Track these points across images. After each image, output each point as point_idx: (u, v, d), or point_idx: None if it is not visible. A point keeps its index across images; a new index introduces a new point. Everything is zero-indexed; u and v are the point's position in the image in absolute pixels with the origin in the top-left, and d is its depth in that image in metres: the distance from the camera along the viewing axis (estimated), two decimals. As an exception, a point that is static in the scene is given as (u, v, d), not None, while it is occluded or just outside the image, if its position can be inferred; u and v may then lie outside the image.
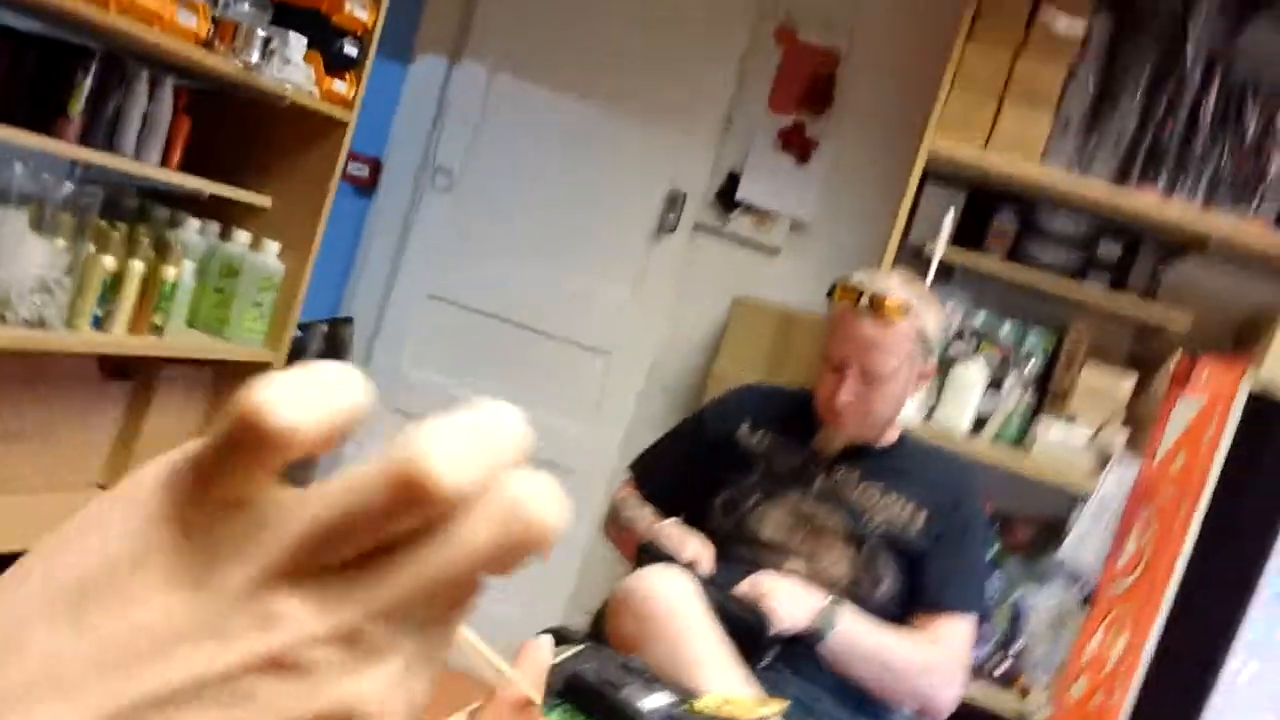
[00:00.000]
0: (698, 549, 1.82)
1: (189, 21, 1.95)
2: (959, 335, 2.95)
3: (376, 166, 3.45)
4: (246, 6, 2.13)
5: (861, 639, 1.77)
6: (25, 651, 0.24)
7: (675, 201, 3.36)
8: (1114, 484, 2.43)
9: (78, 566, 0.25)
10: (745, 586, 1.75)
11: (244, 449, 0.25)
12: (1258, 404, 1.74)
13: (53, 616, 0.24)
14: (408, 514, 0.24)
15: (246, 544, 0.25)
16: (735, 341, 3.24)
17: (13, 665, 0.24)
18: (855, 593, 1.84)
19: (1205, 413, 1.93)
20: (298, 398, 0.25)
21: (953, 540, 1.88)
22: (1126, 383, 2.92)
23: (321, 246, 2.46)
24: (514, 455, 0.26)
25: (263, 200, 2.41)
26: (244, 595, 0.24)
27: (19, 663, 0.24)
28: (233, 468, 0.25)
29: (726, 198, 3.37)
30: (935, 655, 1.83)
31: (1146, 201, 2.83)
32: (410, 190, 3.46)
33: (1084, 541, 2.69)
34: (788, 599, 1.74)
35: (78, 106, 1.92)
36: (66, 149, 1.94)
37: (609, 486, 3.21)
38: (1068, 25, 2.86)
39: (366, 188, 3.45)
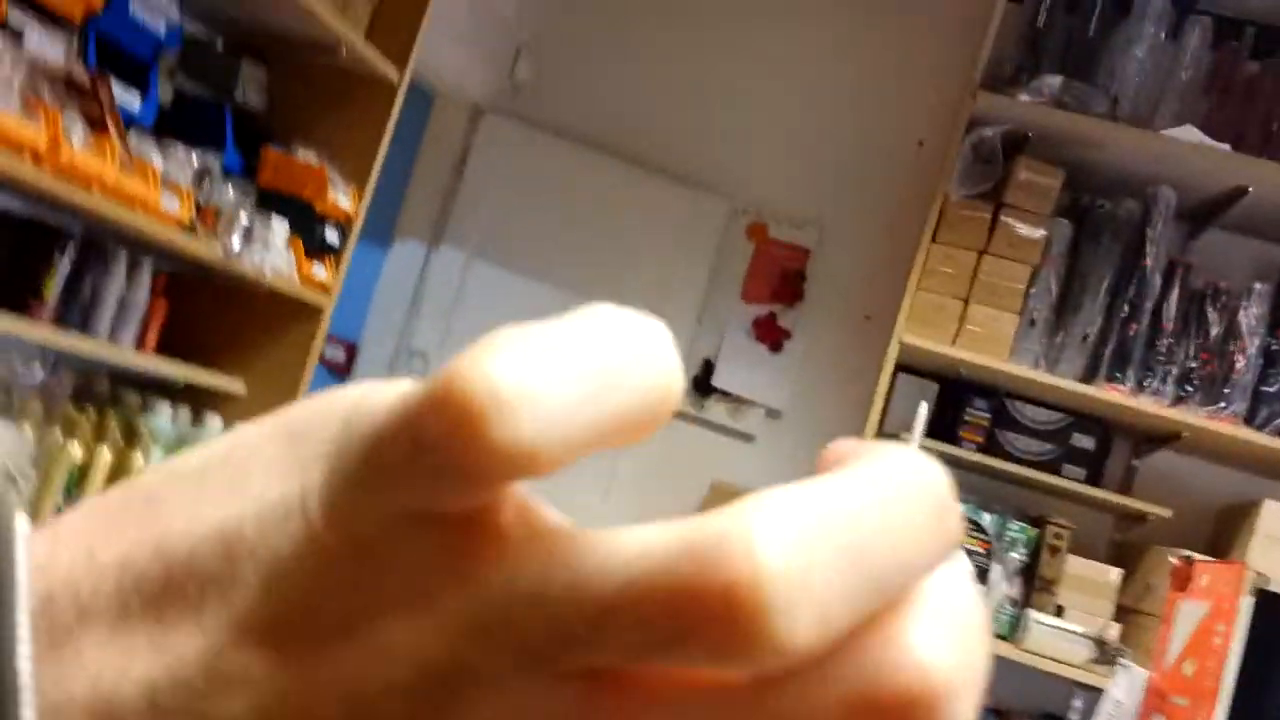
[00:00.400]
0: None
1: (172, 206, 1.94)
2: (938, 529, 2.91)
3: (352, 350, 3.42)
4: (231, 193, 2.14)
5: None
6: None
7: (649, 389, 3.35)
8: (1123, 691, 2.35)
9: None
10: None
11: (442, 454, 0.16)
12: (1264, 603, 1.70)
13: None
14: (715, 656, 0.15)
15: (420, 603, 0.16)
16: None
17: None
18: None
19: (1211, 618, 1.88)
20: (551, 389, 0.16)
21: None
22: (1113, 574, 2.90)
23: (290, 431, 2.39)
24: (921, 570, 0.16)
25: (236, 385, 2.36)
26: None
27: None
28: (423, 473, 0.16)
29: (702, 384, 3.38)
30: None
31: (1116, 397, 2.86)
32: (385, 375, 3.42)
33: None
34: None
35: (53, 289, 1.88)
36: (38, 332, 1.89)
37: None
38: (1029, 230, 2.96)
39: (341, 372, 3.41)
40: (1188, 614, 2.24)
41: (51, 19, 1.81)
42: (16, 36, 1.74)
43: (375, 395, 0.17)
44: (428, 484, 0.16)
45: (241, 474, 0.17)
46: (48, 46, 1.79)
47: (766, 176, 3.46)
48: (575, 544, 0.16)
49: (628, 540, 0.15)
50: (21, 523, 0.17)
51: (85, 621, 0.17)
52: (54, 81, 1.75)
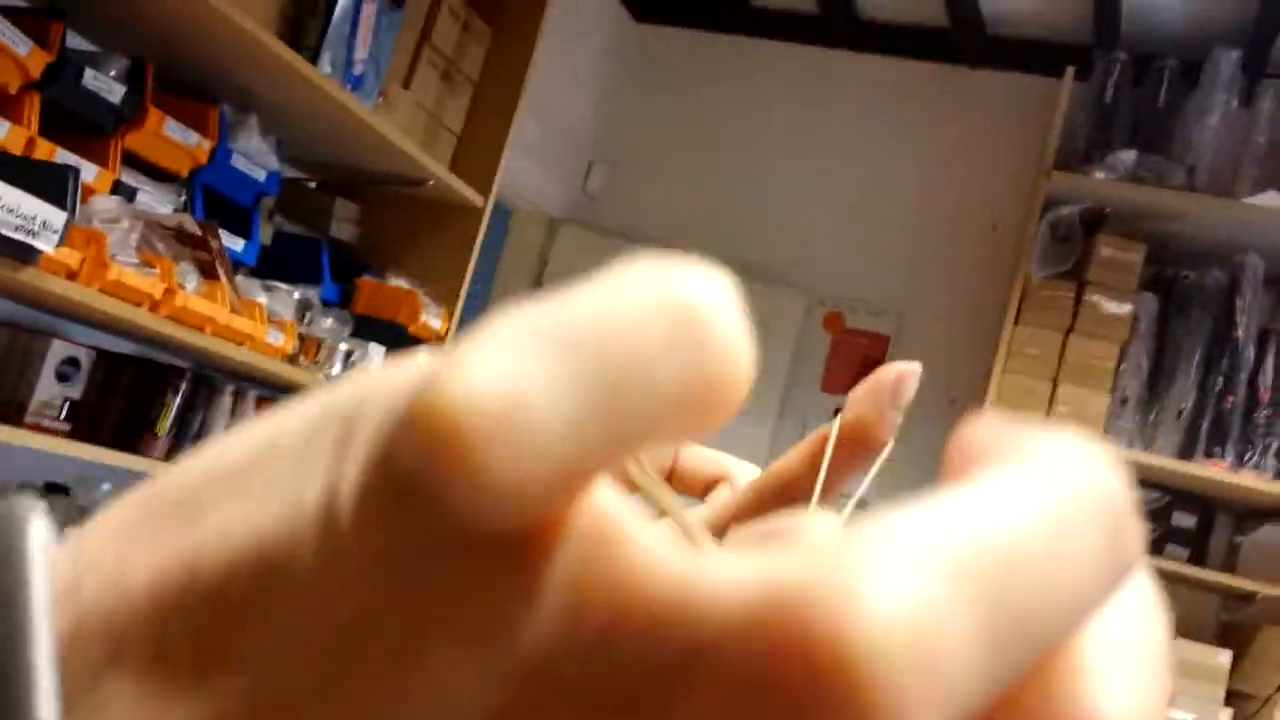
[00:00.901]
0: None
1: (277, 339, 2.03)
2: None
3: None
4: (330, 322, 2.23)
5: None
6: None
7: (736, 484, 3.36)
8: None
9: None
10: None
11: (418, 492, 0.12)
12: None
13: None
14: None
15: (473, 638, 0.13)
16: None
17: None
18: None
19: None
20: (547, 401, 0.12)
21: None
22: (1223, 658, 2.80)
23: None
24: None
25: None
26: None
27: None
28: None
29: (786, 478, 3.37)
30: None
31: (1217, 473, 2.80)
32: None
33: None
34: None
35: (166, 424, 1.97)
36: (153, 466, 1.98)
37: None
38: (1115, 307, 2.93)
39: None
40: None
41: (161, 176, 1.93)
42: (130, 195, 1.86)
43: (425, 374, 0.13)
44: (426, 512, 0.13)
45: (281, 469, 0.14)
46: (159, 202, 1.91)
47: (841, 267, 3.48)
48: (651, 577, 0.12)
49: (717, 574, 0.12)
50: (39, 534, 0.14)
51: (116, 666, 0.14)
52: (167, 233, 1.86)
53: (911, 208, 3.48)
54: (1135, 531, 0.13)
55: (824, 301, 3.45)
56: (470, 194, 2.48)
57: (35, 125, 1.64)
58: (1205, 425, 2.87)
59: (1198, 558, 2.96)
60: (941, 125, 3.49)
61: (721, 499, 0.28)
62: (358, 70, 2.12)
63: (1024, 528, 0.12)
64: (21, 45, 1.60)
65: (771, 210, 3.56)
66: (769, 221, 3.55)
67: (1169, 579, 2.96)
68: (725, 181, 3.61)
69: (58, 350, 1.80)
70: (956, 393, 3.30)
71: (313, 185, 2.51)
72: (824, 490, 0.25)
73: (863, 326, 3.42)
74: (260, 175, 2.08)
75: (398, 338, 2.36)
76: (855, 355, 3.39)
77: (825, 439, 0.27)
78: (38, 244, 1.48)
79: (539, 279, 3.54)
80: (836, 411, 0.28)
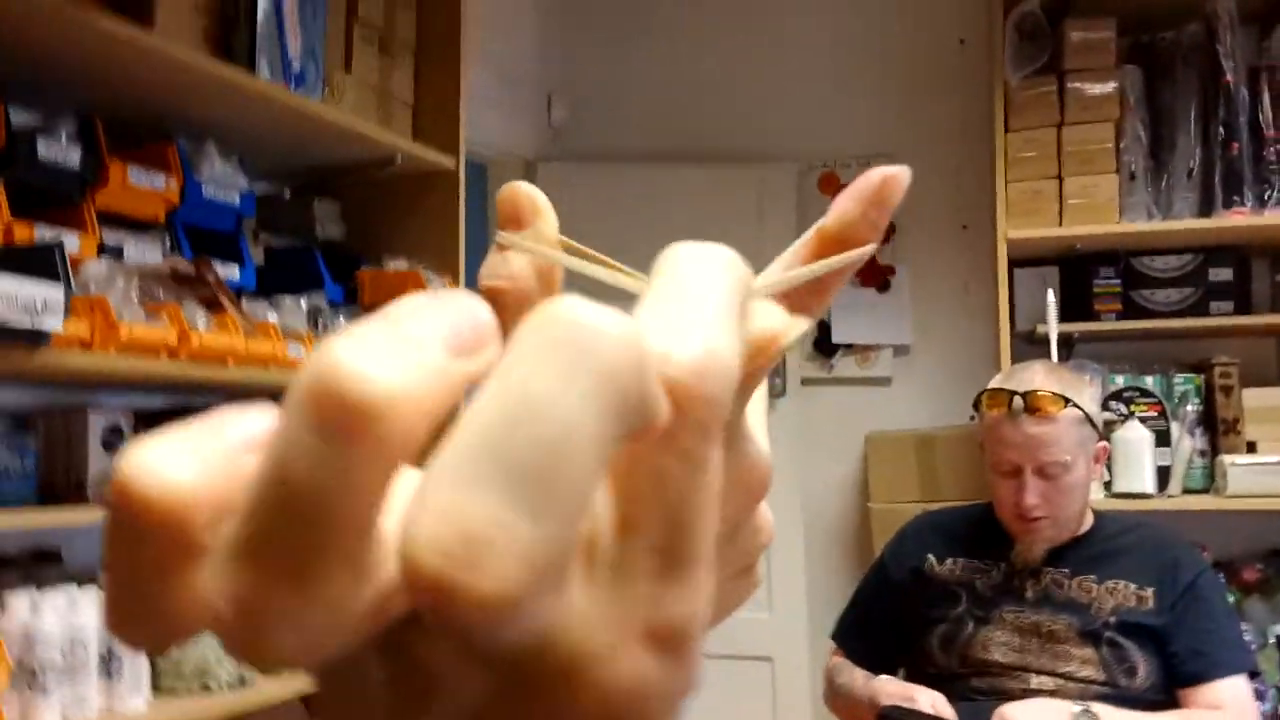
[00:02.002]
0: (932, 697, 1.74)
1: (299, 353, 2.04)
2: (1106, 404, 2.86)
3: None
4: (343, 321, 2.23)
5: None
6: None
7: (777, 366, 3.38)
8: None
9: None
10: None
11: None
12: None
13: None
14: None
15: None
16: (882, 476, 3.18)
17: None
18: (1112, 691, 1.74)
19: None
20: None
21: (1191, 605, 1.78)
22: (1290, 396, 2.81)
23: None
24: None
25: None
26: None
27: None
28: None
29: (824, 345, 3.38)
30: (1222, 724, 1.70)
31: (1240, 220, 2.77)
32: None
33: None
34: None
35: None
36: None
37: (811, 668, 3.10)
38: (1099, 88, 2.88)
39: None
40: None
41: (141, 226, 1.93)
42: (118, 253, 1.86)
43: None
44: None
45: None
46: (146, 251, 1.91)
47: (823, 127, 3.44)
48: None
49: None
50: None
51: None
52: (163, 279, 1.86)
53: (875, 49, 3.42)
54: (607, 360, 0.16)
55: (814, 165, 3.42)
56: (440, 159, 2.46)
57: (6, 211, 1.64)
58: (1218, 178, 2.84)
59: (1243, 307, 2.95)
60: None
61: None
62: (296, 67, 2.10)
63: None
64: (-32, 137, 1.59)
65: (740, 90, 3.51)
66: (740, 102, 3.50)
67: (1222, 334, 2.96)
68: (686, 76, 3.56)
69: (96, 422, 1.82)
70: (968, 217, 3.28)
71: (288, 194, 2.49)
72: (815, 289, 0.26)
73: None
74: (234, 199, 2.07)
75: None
76: (857, 209, 3.37)
77: (814, 237, 0.27)
78: (45, 325, 1.49)
79: (530, 223, 3.51)
80: None
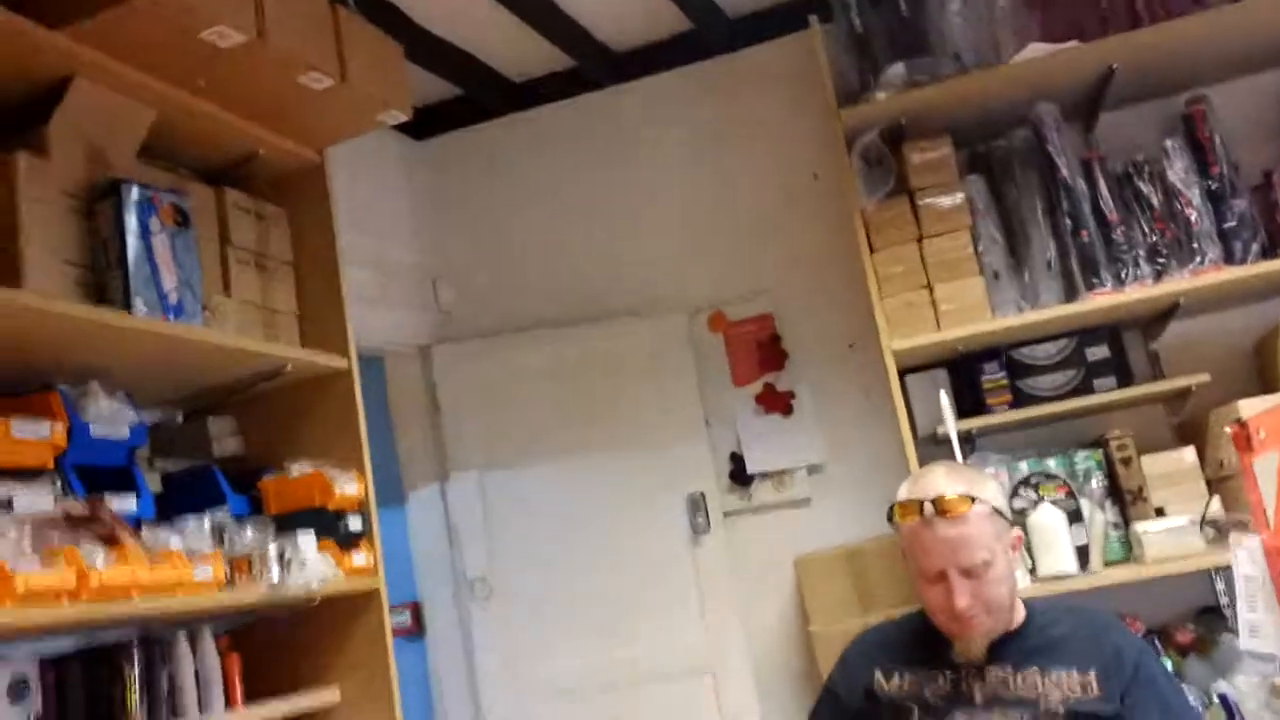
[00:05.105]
0: None
1: (206, 574, 2.06)
2: (1015, 492, 2.94)
3: (416, 609, 3.52)
4: (250, 534, 2.26)
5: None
6: None
7: (697, 503, 3.44)
8: (1247, 563, 2.34)
9: None
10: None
11: None
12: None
13: None
14: None
15: None
16: (818, 597, 3.22)
17: None
18: (1079, 780, 1.75)
19: (1284, 466, 1.90)
20: None
21: (1142, 693, 1.81)
22: (1189, 455, 2.91)
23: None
24: None
25: (332, 695, 2.45)
26: None
27: None
28: None
29: (740, 475, 3.46)
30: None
31: (1105, 300, 2.93)
32: (456, 616, 3.51)
33: (1257, 629, 2.56)
34: None
35: (134, 698, 1.99)
36: (139, 742, 1.99)
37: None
38: (948, 199, 3.07)
39: (414, 633, 3.50)
40: (1264, 470, 2.24)
41: (28, 475, 1.96)
42: (7, 504, 1.89)
43: None
44: None
45: None
46: (38, 497, 1.93)
47: (700, 272, 3.60)
48: None
49: None
50: None
51: None
52: (56, 525, 1.89)
53: (734, 193, 3.61)
54: None
55: (702, 308, 3.56)
56: (333, 361, 2.54)
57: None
58: (1075, 264, 3.00)
59: (1125, 380, 3.08)
60: (728, 112, 3.65)
61: None
62: (173, 299, 2.18)
63: None
64: None
65: (616, 253, 3.67)
66: (618, 263, 3.66)
67: (1112, 409, 3.08)
68: (565, 241, 3.72)
69: (1, 676, 1.81)
70: (851, 335, 3.42)
71: (181, 419, 2.54)
72: None
73: (745, 315, 3.53)
74: (123, 433, 2.11)
75: (321, 520, 2.40)
76: (749, 342, 3.50)
77: None
78: (-69, 591, 1.51)
79: (434, 403, 3.60)
80: None
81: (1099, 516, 2.90)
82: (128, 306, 2.06)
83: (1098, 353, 3.10)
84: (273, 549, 2.26)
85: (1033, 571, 2.83)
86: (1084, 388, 3.06)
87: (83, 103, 2.11)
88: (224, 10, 2.09)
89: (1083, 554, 2.86)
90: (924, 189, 3.09)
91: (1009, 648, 1.88)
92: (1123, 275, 2.97)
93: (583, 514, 3.47)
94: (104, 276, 2.09)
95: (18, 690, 1.82)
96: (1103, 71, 3.02)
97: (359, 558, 2.48)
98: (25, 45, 1.95)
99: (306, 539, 2.32)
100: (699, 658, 3.38)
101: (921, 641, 1.93)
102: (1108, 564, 2.87)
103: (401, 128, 3.54)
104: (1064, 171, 3.03)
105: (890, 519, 1.93)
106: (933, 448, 3.08)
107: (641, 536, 3.44)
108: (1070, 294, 2.99)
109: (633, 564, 3.43)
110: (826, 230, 3.46)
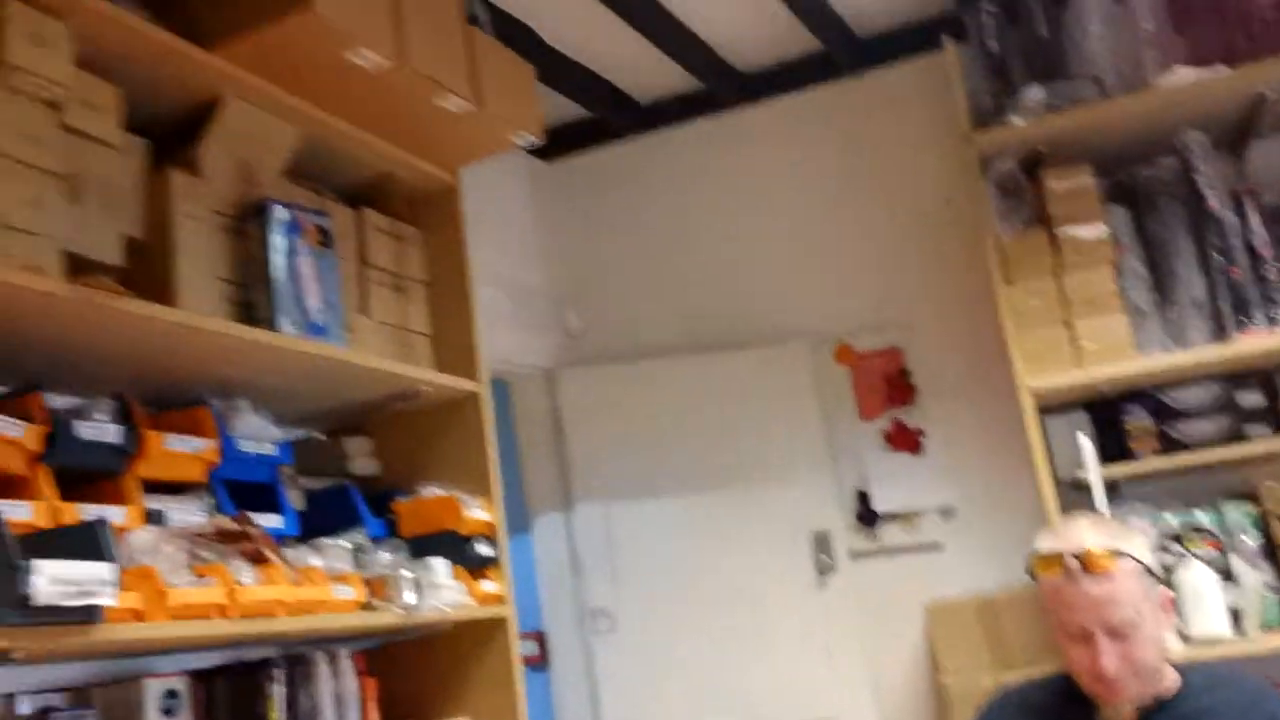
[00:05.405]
0: None
1: (347, 594, 2.05)
2: (1161, 547, 2.79)
3: (541, 638, 3.48)
4: (386, 556, 2.25)
5: None
6: None
7: (823, 542, 3.35)
8: None
9: None
10: None
11: None
12: None
13: None
14: None
15: None
16: (949, 646, 3.09)
17: None
18: None
19: None
20: None
21: None
22: (1347, 514, 2.74)
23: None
24: None
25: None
26: None
27: None
28: None
29: (866, 515, 3.36)
30: None
31: (1258, 342, 2.79)
32: (580, 647, 3.46)
33: None
34: None
35: (277, 716, 1.98)
36: (280, 762, 1.98)
37: None
38: (1090, 231, 2.95)
39: (539, 663, 3.46)
40: None
41: (181, 489, 1.98)
42: (160, 519, 1.90)
43: None
44: None
45: None
46: (189, 513, 1.95)
47: (829, 301, 3.53)
48: None
49: None
50: None
51: None
52: (208, 540, 1.89)
53: (863, 219, 3.54)
54: None
55: (827, 339, 3.49)
56: (464, 384, 2.53)
57: (54, 494, 1.69)
58: (1225, 303, 2.86)
59: (1279, 427, 2.92)
60: (857, 135, 3.59)
61: None
62: (318, 319, 2.19)
63: None
64: (14, 429, 1.66)
65: (742, 278, 3.62)
66: (744, 289, 3.61)
67: (1265, 460, 2.91)
68: (691, 268, 3.68)
69: (152, 689, 1.82)
70: (984, 369, 3.31)
71: (322, 436, 2.55)
72: None
73: (872, 347, 3.44)
74: (271, 450, 2.12)
75: (453, 544, 2.38)
76: (876, 375, 3.41)
77: None
78: (100, 602, 1.51)
79: (559, 429, 3.58)
80: None
81: (1253, 575, 2.74)
82: (273, 325, 2.07)
83: (1250, 398, 2.95)
84: (406, 572, 2.24)
85: (1183, 634, 2.68)
86: (1236, 435, 2.91)
87: (233, 122, 2.14)
88: (367, 32, 2.11)
89: (1236, 615, 2.70)
90: (1063, 219, 2.98)
91: (1160, 716, 1.76)
92: (1276, 315, 2.83)
93: (705, 547, 3.41)
94: (251, 294, 2.11)
95: (169, 701, 1.82)
96: (1254, 97, 2.89)
97: (489, 584, 2.46)
98: (182, 65, 1.99)
99: (440, 563, 2.30)
100: (823, 703, 3.27)
101: (1066, 705, 1.82)
102: (1264, 627, 2.70)
103: (531, 150, 3.55)
104: (1213, 203, 2.90)
105: (1029, 572, 1.83)
106: (1072, 494, 2.95)
107: (765, 574, 3.36)
108: (1220, 334, 2.85)
109: (756, 602, 3.35)
110: (959, 261, 3.36)
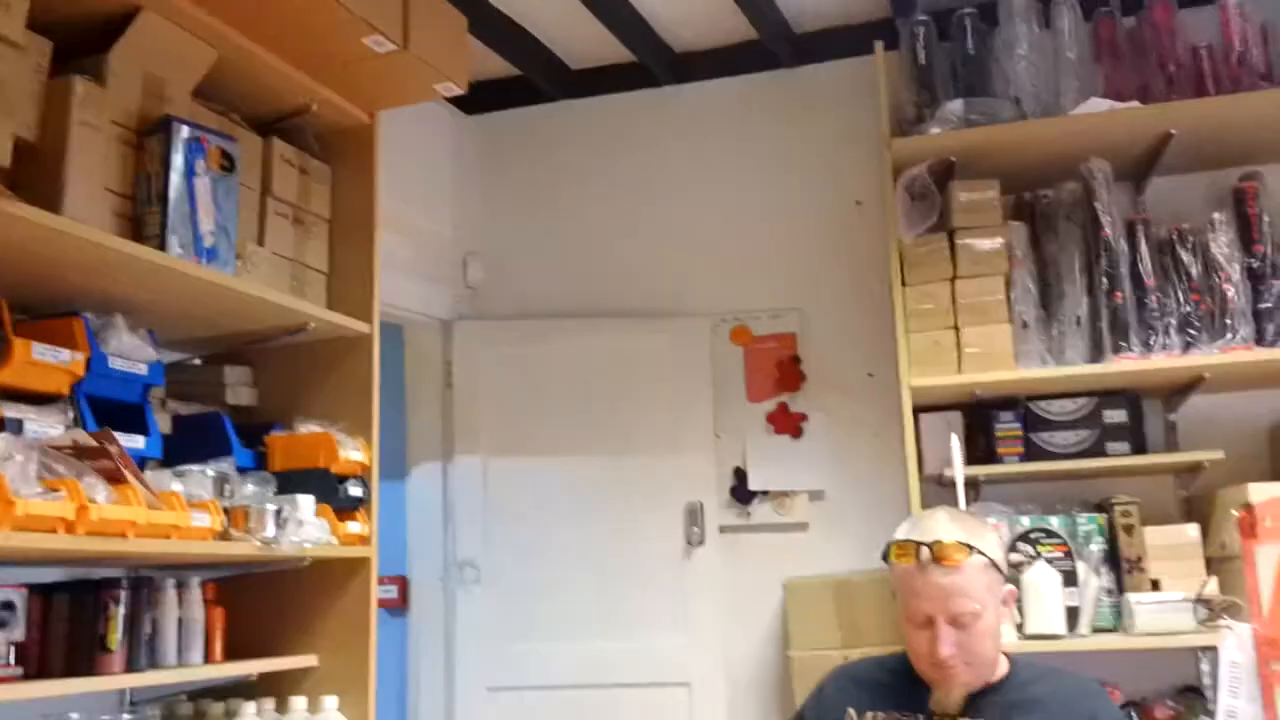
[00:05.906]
0: None
1: (203, 522, 2.04)
2: (1013, 546, 2.92)
3: (403, 583, 3.50)
4: (250, 488, 2.24)
5: None
6: None
7: (695, 514, 3.42)
8: (1235, 649, 2.32)
9: None
10: None
11: None
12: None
13: None
14: None
15: None
16: (802, 623, 3.19)
17: None
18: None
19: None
20: None
21: None
22: (1192, 531, 2.89)
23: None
24: None
25: (309, 660, 2.43)
26: None
27: None
28: None
29: (741, 492, 3.44)
30: None
31: (1130, 365, 2.90)
32: (442, 597, 3.49)
33: (1236, 715, 2.55)
34: None
35: (116, 637, 1.97)
36: (114, 682, 1.97)
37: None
38: (988, 243, 3.04)
39: (399, 607, 3.48)
40: (1265, 558, 2.22)
41: (45, 400, 1.94)
42: (17, 427, 1.87)
43: None
44: None
45: None
46: (48, 425, 1.92)
47: (730, 283, 3.58)
48: None
49: None
50: None
51: None
52: (63, 454, 1.87)
53: (776, 208, 3.59)
54: None
55: (727, 319, 3.54)
56: (354, 325, 2.52)
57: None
58: (1105, 325, 2.97)
59: (1139, 447, 3.06)
60: (781, 127, 3.63)
61: None
62: (208, 243, 2.16)
63: None
64: None
65: (649, 252, 3.65)
66: (650, 262, 3.64)
67: (1121, 474, 3.06)
68: (600, 237, 3.70)
69: (-12, 599, 1.80)
70: (872, 366, 3.40)
71: (198, 361, 2.53)
72: None
73: (769, 331, 3.50)
74: (142, 370, 2.10)
75: (323, 482, 2.38)
76: (769, 359, 3.48)
77: None
78: (-66, 506, 1.49)
79: (448, 380, 3.58)
80: None
81: (1094, 581, 2.88)
82: (162, 244, 2.04)
83: (1115, 416, 3.08)
84: (271, 506, 2.24)
85: (1020, 628, 2.81)
86: (1097, 449, 3.04)
87: (147, 36, 2.09)
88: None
89: (1072, 616, 2.84)
90: (965, 229, 3.07)
91: (986, 701, 1.86)
92: (1151, 342, 2.95)
93: (581, 510, 3.45)
94: (142, 211, 2.07)
95: (2, 613, 1.80)
96: (1161, 135, 2.99)
97: (354, 525, 2.46)
98: (95, -30, 1.93)
99: (305, 500, 2.30)
100: (677, 668, 3.36)
101: (900, 685, 1.91)
102: (1096, 630, 2.85)
103: (453, 100, 3.51)
104: (1107, 230, 3.01)
105: (885, 557, 1.91)
106: (937, 489, 3.06)
107: (636, 540, 3.42)
108: (1096, 354, 2.97)
109: (624, 566, 3.41)
110: (862, 259, 3.44)
